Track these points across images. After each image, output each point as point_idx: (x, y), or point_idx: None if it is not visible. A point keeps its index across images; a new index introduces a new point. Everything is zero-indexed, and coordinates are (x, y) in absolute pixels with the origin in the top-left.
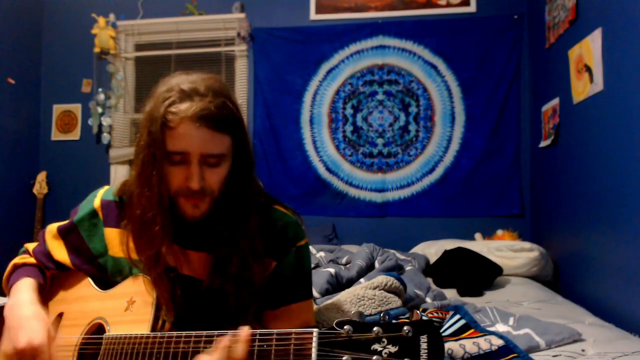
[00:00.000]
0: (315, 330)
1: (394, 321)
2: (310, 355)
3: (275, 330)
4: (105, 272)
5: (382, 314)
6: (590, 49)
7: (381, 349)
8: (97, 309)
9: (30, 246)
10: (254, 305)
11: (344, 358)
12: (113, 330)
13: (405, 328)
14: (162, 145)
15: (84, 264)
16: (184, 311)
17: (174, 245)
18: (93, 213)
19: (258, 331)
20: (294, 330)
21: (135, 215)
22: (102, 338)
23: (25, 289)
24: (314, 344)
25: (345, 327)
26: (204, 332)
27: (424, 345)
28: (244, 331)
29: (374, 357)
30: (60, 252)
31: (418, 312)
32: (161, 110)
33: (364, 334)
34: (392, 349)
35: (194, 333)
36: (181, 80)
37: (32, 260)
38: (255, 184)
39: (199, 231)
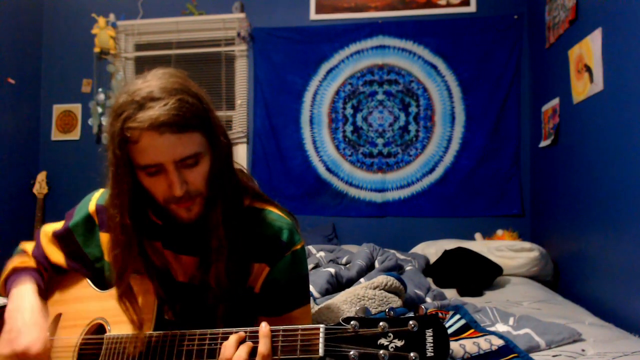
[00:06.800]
0: (322, 325)
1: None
2: (318, 350)
3: (281, 327)
4: (104, 276)
5: (387, 310)
6: (590, 49)
7: (387, 343)
8: (96, 309)
9: (28, 247)
10: (222, 307)
11: (350, 353)
12: (114, 330)
13: (410, 322)
14: (127, 162)
15: (82, 268)
16: (182, 313)
17: (165, 250)
18: (88, 218)
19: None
20: (300, 326)
21: (111, 233)
22: (102, 338)
23: (28, 295)
24: (321, 339)
25: (351, 322)
26: (209, 330)
27: (429, 339)
28: (265, 327)
29: (381, 352)
30: (57, 256)
31: (422, 306)
32: (119, 126)
33: (370, 329)
34: (399, 343)
35: (198, 331)
36: (136, 88)
37: (32, 263)
38: (245, 183)
39: (191, 235)
